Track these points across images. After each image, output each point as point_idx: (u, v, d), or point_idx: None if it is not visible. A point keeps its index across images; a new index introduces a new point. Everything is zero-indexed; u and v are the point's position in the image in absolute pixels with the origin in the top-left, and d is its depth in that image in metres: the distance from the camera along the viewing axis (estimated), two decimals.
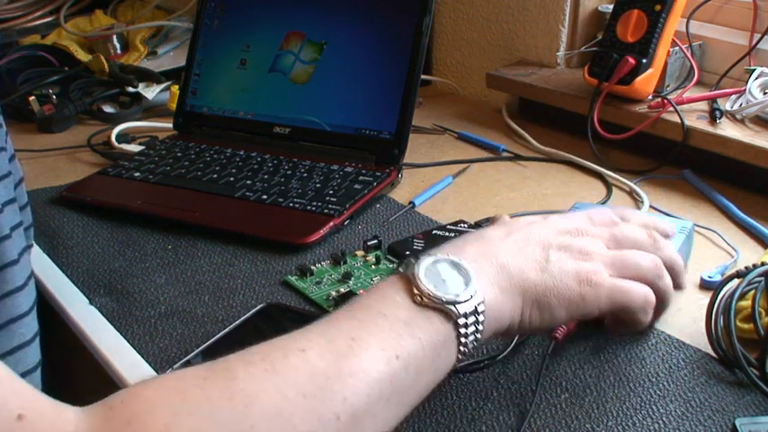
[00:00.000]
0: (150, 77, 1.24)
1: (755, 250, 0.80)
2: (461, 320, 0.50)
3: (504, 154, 1.05)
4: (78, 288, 0.75)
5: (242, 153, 0.99)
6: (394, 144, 0.95)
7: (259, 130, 1.03)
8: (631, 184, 0.94)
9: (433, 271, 0.52)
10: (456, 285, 0.51)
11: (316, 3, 1.02)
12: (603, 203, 0.90)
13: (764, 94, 0.95)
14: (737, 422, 0.52)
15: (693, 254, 0.77)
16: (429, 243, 0.78)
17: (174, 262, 0.78)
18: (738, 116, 0.95)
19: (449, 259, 0.53)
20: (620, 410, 0.58)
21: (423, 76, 1.06)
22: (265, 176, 0.92)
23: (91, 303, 0.72)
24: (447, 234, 0.80)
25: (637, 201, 0.92)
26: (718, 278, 0.73)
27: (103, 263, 0.79)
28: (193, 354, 0.63)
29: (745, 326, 0.63)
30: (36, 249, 0.81)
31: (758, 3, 1.01)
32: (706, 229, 0.83)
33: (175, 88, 1.17)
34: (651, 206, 0.89)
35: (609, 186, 0.95)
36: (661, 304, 0.61)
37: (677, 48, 1.02)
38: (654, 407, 0.58)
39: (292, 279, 0.74)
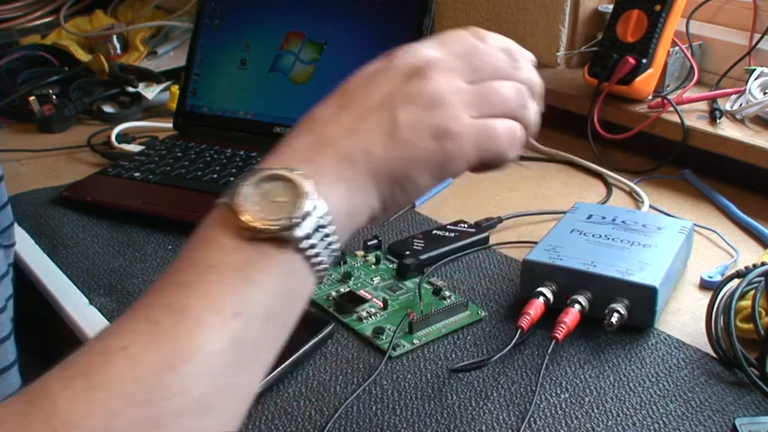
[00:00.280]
0: (150, 77, 1.24)
1: (755, 250, 0.80)
2: (304, 243, 0.41)
3: None
4: (78, 288, 0.75)
5: (242, 153, 0.99)
6: None
7: (259, 130, 1.03)
8: (631, 184, 0.94)
9: (259, 192, 0.42)
10: (288, 203, 0.42)
11: (316, 3, 1.02)
12: (603, 203, 0.90)
13: (764, 94, 0.95)
14: (737, 422, 0.52)
15: (693, 254, 0.77)
16: (429, 243, 0.78)
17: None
18: (738, 116, 0.95)
19: (274, 172, 0.43)
20: (620, 410, 0.58)
21: None
22: None
23: (91, 303, 0.72)
24: (447, 234, 0.80)
25: (637, 201, 0.92)
26: (718, 278, 0.73)
27: (103, 263, 0.79)
28: None
29: (745, 326, 0.63)
30: (36, 249, 0.82)
31: (758, 3, 1.02)
32: (706, 229, 0.83)
33: (175, 88, 1.17)
34: (651, 206, 0.89)
35: (609, 186, 0.95)
36: (528, 134, 0.51)
37: (677, 48, 1.02)
38: (654, 407, 0.58)
39: None
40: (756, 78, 0.96)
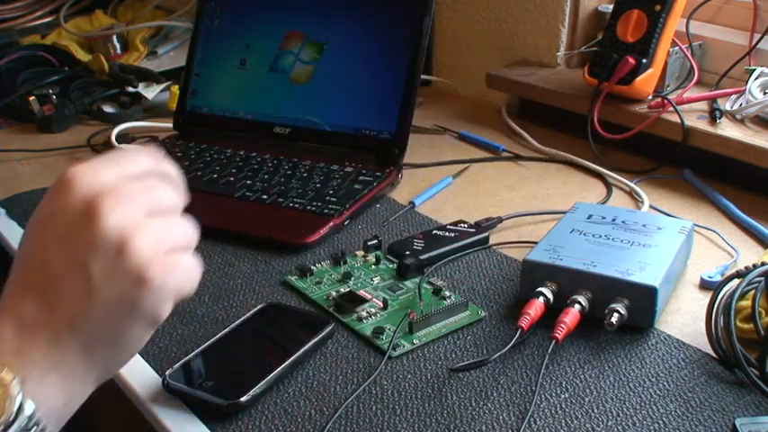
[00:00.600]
0: (150, 77, 1.24)
1: (755, 250, 0.80)
2: None
3: (504, 154, 1.05)
4: None
5: (242, 153, 0.99)
6: (394, 144, 0.95)
7: (259, 130, 1.03)
8: (631, 184, 0.94)
9: None
10: None
11: (316, 3, 1.02)
12: (603, 203, 0.90)
13: (764, 94, 0.95)
14: (737, 422, 0.52)
15: (693, 254, 0.77)
16: (429, 243, 0.78)
17: None
18: (738, 116, 0.95)
19: None
20: (620, 410, 0.58)
21: (423, 76, 1.06)
22: (265, 176, 0.92)
23: None
24: (447, 234, 0.80)
25: (637, 201, 0.92)
26: (718, 278, 0.73)
27: None
28: (193, 354, 0.63)
29: (745, 326, 0.63)
30: None
31: (758, 3, 1.02)
32: (706, 229, 0.83)
33: (175, 88, 1.17)
34: (651, 206, 0.89)
35: (609, 186, 0.95)
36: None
37: (677, 48, 1.02)
38: (654, 407, 0.58)
39: (292, 279, 0.74)
40: (756, 78, 0.96)
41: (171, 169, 0.48)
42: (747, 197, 0.90)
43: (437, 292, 0.71)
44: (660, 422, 0.56)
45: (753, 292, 0.63)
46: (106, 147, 1.05)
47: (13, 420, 0.39)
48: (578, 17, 1.14)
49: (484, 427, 0.56)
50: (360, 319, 0.68)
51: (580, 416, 0.57)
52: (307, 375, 0.62)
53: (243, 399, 0.57)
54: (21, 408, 0.39)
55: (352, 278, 0.74)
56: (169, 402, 0.59)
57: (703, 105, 0.98)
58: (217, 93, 1.06)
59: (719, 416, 0.57)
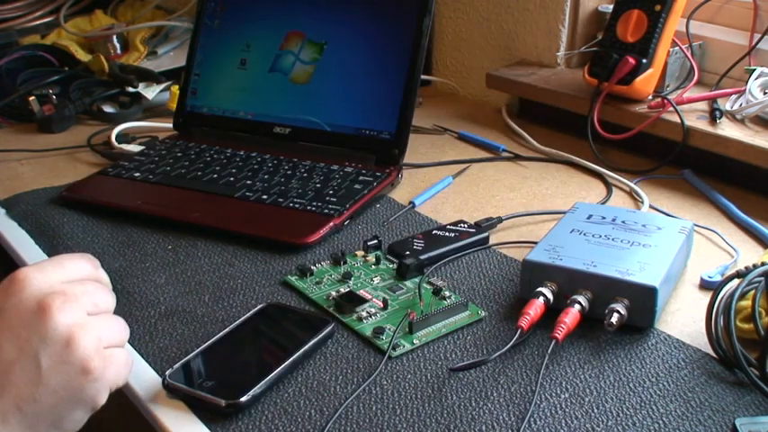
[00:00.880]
0: (150, 77, 1.24)
1: (755, 250, 0.80)
2: None
3: (504, 154, 1.05)
4: None
5: (242, 153, 0.99)
6: (394, 144, 0.95)
7: (259, 130, 1.03)
8: (631, 184, 0.94)
9: None
10: None
11: (316, 3, 1.02)
12: (603, 203, 0.90)
13: (764, 94, 0.95)
14: (737, 422, 0.52)
15: (693, 254, 0.77)
16: (429, 243, 0.78)
17: (174, 262, 0.78)
18: (738, 116, 0.95)
19: None
20: (620, 410, 0.58)
21: (423, 76, 1.06)
22: (265, 176, 0.92)
23: None
24: (447, 234, 0.80)
25: (637, 201, 0.92)
26: (718, 278, 0.73)
27: (103, 263, 0.77)
28: (193, 354, 0.63)
29: (745, 326, 0.63)
30: (36, 249, 0.81)
31: (758, 3, 1.02)
32: (706, 229, 0.83)
33: (175, 88, 1.17)
34: (651, 206, 0.89)
35: (609, 186, 0.95)
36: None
37: (677, 48, 1.02)
38: (654, 407, 0.58)
39: (292, 279, 0.74)
40: (756, 78, 0.96)
41: (103, 275, 0.56)
42: (747, 197, 0.90)
43: (437, 292, 0.71)
44: (660, 422, 0.56)
45: (753, 292, 0.63)
46: (106, 147, 1.05)
47: None
48: (578, 17, 1.14)
49: (484, 427, 0.56)
50: (360, 319, 0.68)
51: (580, 416, 0.57)
52: (307, 375, 0.62)
53: (243, 399, 0.57)
54: None
55: (352, 278, 0.74)
56: (169, 402, 0.59)
57: (703, 105, 0.98)
58: (217, 93, 1.06)
59: (719, 416, 0.57)
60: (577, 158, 1.01)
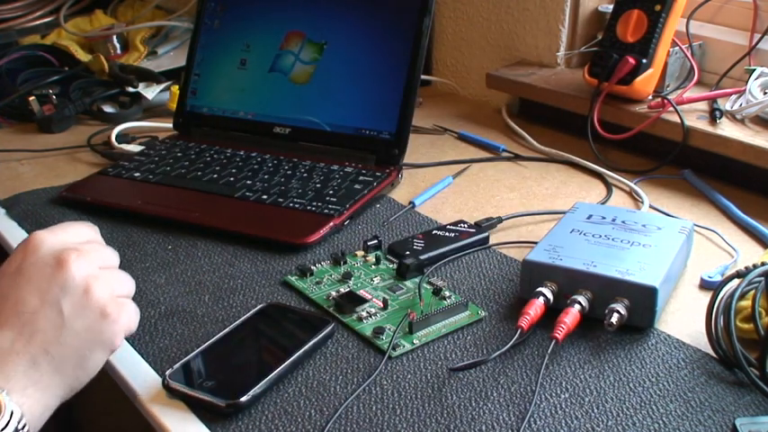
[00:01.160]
0: (150, 77, 1.24)
1: (755, 250, 0.80)
2: None
3: (504, 154, 1.05)
4: None
5: (242, 153, 0.99)
6: (394, 144, 0.95)
7: (259, 130, 1.03)
8: (631, 184, 0.94)
9: None
10: None
11: (316, 3, 1.02)
12: (603, 203, 0.90)
13: (764, 94, 0.95)
14: (737, 422, 0.52)
15: (693, 254, 0.77)
16: (429, 243, 0.78)
17: (174, 262, 0.78)
18: (738, 116, 0.95)
19: None
20: (620, 410, 0.58)
21: (423, 76, 1.06)
22: (265, 176, 0.92)
23: None
24: (447, 234, 0.80)
25: (637, 201, 0.92)
26: (718, 278, 0.73)
27: None
28: (193, 354, 0.63)
29: (745, 326, 0.63)
30: None
31: (758, 3, 1.02)
32: (706, 229, 0.83)
33: (175, 88, 1.17)
34: (651, 206, 0.89)
35: (609, 186, 0.95)
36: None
37: (677, 48, 1.02)
38: (654, 407, 0.58)
39: (292, 279, 0.74)
40: (756, 78, 0.96)
41: (102, 240, 0.62)
42: (747, 197, 0.90)
43: (437, 292, 0.71)
44: (660, 422, 0.56)
45: (753, 292, 0.63)
46: (106, 147, 1.05)
47: (7, 423, 0.48)
48: (578, 17, 1.14)
49: (484, 427, 0.56)
50: (360, 319, 0.68)
51: (580, 416, 0.57)
52: (307, 375, 0.62)
53: (243, 399, 0.57)
54: (12, 413, 0.49)
55: (352, 278, 0.74)
56: (169, 402, 0.59)
57: (703, 105, 0.98)
58: (217, 93, 1.06)
59: (719, 416, 0.57)
60: (577, 158, 1.01)
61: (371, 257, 0.77)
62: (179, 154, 0.99)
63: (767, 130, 0.92)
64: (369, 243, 0.79)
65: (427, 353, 0.64)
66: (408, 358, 0.63)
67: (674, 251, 0.70)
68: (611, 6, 1.03)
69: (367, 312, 0.68)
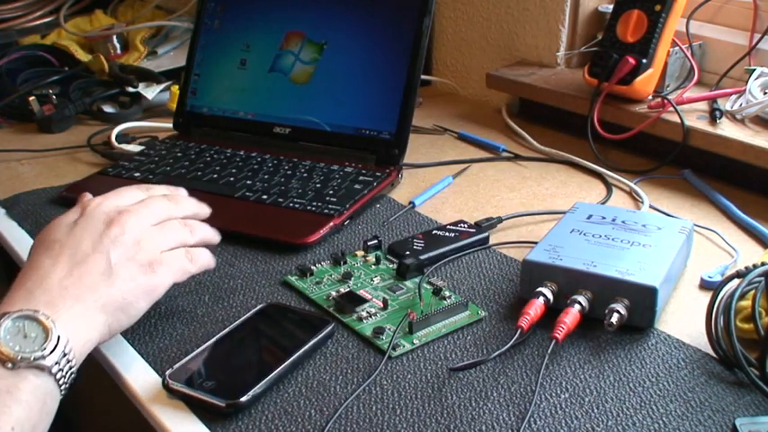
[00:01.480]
0: (150, 77, 1.24)
1: (755, 250, 0.80)
2: (54, 368, 0.54)
3: (504, 154, 1.05)
4: None
5: (242, 153, 0.99)
6: (394, 144, 0.95)
7: (259, 130, 1.03)
8: (631, 184, 0.94)
9: (14, 330, 0.54)
10: (39, 338, 0.54)
11: (316, 3, 1.02)
12: (603, 203, 0.90)
13: (764, 94, 0.95)
14: (737, 422, 0.52)
15: (693, 254, 0.77)
16: (429, 243, 0.78)
17: None
18: (738, 116, 0.95)
19: (23, 314, 0.55)
20: (620, 410, 0.58)
21: (423, 76, 1.06)
22: (265, 176, 0.92)
23: None
24: (447, 234, 0.80)
25: (637, 201, 0.92)
26: (718, 278, 0.73)
27: None
28: (193, 354, 0.63)
29: (745, 326, 0.63)
30: None
31: (758, 3, 1.02)
32: (706, 229, 0.83)
33: (175, 88, 1.17)
34: (651, 206, 0.89)
35: (609, 186, 0.95)
36: (206, 243, 0.69)
37: (677, 48, 1.02)
38: (654, 407, 0.58)
39: (292, 279, 0.74)
40: (756, 78, 0.96)
41: (158, 193, 0.69)
42: (747, 197, 0.90)
43: (437, 292, 0.71)
44: (660, 422, 0.56)
45: (753, 292, 0.63)
46: (106, 147, 1.05)
47: (55, 347, 0.54)
48: (578, 17, 1.14)
49: (484, 427, 0.56)
50: (360, 319, 0.68)
51: (580, 416, 0.57)
52: (307, 375, 0.62)
53: (243, 399, 0.57)
54: (59, 338, 0.54)
55: (352, 278, 0.74)
56: (169, 402, 0.59)
57: (703, 105, 0.98)
58: (217, 93, 1.06)
59: (719, 416, 0.57)
60: (577, 158, 1.01)
61: (371, 257, 0.77)
62: (179, 154, 0.99)
63: (767, 130, 0.92)
64: (369, 243, 0.79)
65: (427, 353, 0.64)
66: (408, 358, 0.63)
67: (674, 251, 0.70)
68: (611, 6, 1.03)
69: (367, 312, 0.68)
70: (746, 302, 0.64)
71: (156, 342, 0.66)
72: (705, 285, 0.73)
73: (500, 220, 0.85)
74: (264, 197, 0.87)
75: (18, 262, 0.81)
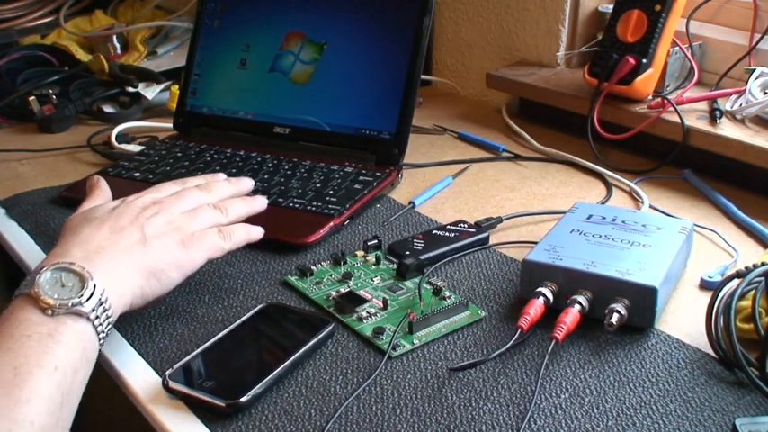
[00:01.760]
0: (150, 77, 1.24)
1: (755, 250, 0.80)
2: (92, 315, 0.58)
3: (504, 154, 1.05)
4: None
5: (242, 153, 0.99)
6: (394, 144, 0.95)
7: (259, 130, 1.03)
8: (631, 184, 0.94)
9: (52, 281, 0.58)
10: (75, 286, 0.58)
11: (316, 3, 1.02)
12: (603, 203, 0.90)
13: (764, 94, 0.95)
14: (737, 422, 0.52)
15: (693, 254, 0.77)
16: (429, 243, 0.78)
17: None
18: (738, 116, 0.95)
19: (60, 266, 0.59)
20: (620, 410, 0.58)
21: (423, 76, 1.06)
22: (265, 176, 0.92)
23: None
24: (447, 234, 0.80)
25: (637, 201, 0.92)
26: (718, 278, 0.73)
27: None
28: (193, 354, 0.63)
29: (745, 326, 0.63)
30: (36, 249, 0.81)
31: (758, 3, 1.02)
32: (706, 229, 0.83)
33: (175, 88, 1.17)
34: (651, 206, 0.89)
35: (609, 186, 0.95)
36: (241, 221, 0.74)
37: (677, 48, 1.02)
38: (654, 407, 0.58)
39: (292, 279, 0.74)
40: (756, 78, 0.96)
41: (193, 183, 0.75)
42: (747, 197, 0.90)
43: (437, 292, 0.71)
44: (660, 422, 0.56)
45: (753, 292, 0.63)
46: (106, 147, 1.05)
47: (92, 294, 0.58)
48: (578, 17, 1.14)
49: (484, 427, 0.56)
50: (360, 319, 0.68)
51: (580, 416, 0.57)
52: (307, 375, 0.62)
53: (243, 399, 0.57)
54: (95, 287, 0.59)
55: (352, 278, 0.74)
56: (169, 402, 0.59)
57: (703, 105, 0.98)
58: (217, 93, 1.06)
59: (719, 416, 0.57)
60: (577, 158, 1.01)
61: (371, 257, 0.77)
62: (179, 154, 0.99)
63: (767, 130, 0.92)
64: (369, 243, 0.79)
65: (427, 353, 0.64)
66: (408, 358, 0.63)
67: (674, 251, 0.70)
68: (611, 6, 1.03)
69: (367, 312, 0.68)
70: (746, 302, 0.64)
71: (156, 342, 0.66)
72: (705, 285, 0.73)
73: (500, 220, 0.85)
74: (264, 197, 0.87)
75: (18, 262, 0.81)
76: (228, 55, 1.06)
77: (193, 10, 1.17)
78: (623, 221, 0.74)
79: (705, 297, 0.67)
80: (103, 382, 0.65)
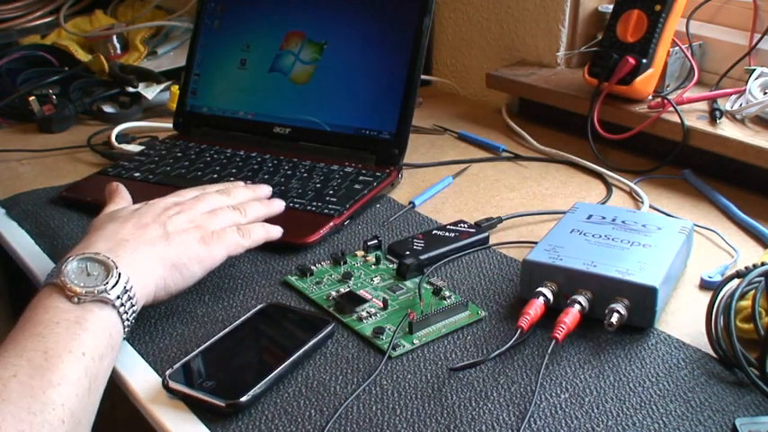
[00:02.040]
0: (150, 77, 1.24)
1: (755, 250, 0.80)
2: (117, 302, 0.60)
3: (504, 154, 1.05)
4: None
5: (242, 153, 0.99)
6: (394, 144, 0.95)
7: (259, 130, 1.03)
8: (631, 184, 0.94)
9: (78, 270, 0.60)
10: (101, 275, 0.60)
11: (316, 3, 1.02)
12: (603, 203, 0.90)
13: (764, 94, 0.95)
14: (737, 422, 0.52)
15: (693, 254, 0.77)
16: (429, 243, 0.78)
17: None
18: (738, 116, 0.95)
19: (86, 256, 0.62)
20: (620, 410, 0.58)
21: (423, 76, 1.06)
22: (265, 176, 0.92)
23: None
24: (447, 234, 0.80)
25: (637, 201, 0.92)
26: (718, 278, 0.73)
27: None
28: (193, 354, 0.63)
29: (745, 326, 0.63)
30: (36, 249, 0.81)
31: (758, 3, 1.02)
32: (706, 229, 0.83)
33: (175, 88, 1.17)
34: (651, 206, 0.89)
35: (609, 186, 0.95)
36: (261, 221, 0.76)
37: (677, 48, 1.02)
38: (654, 407, 0.58)
39: (292, 279, 0.74)
40: (756, 78, 0.96)
41: (214, 189, 0.78)
42: (747, 197, 0.90)
43: (437, 292, 0.71)
44: (660, 422, 0.56)
45: (753, 292, 0.63)
46: (106, 147, 1.05)
47: (117, 282, 0.60)
48: (578, 17, 1.14)
49: (484, 427, 0.56)
50: (360, 319, 0.68)
51: (580, 416, 0.57)
52: (307, 375, 0.62)
53: (243, 399, 0.57)
54: (119, 275, 0.61)
55: (352, 278, 0.74)
56: (169, 402, 0.59)
57: (703, 105, 0.98)
58: (217, 93, 1.06)
59: (719, 416, 0.57)
60: (577, 158, 1.01)
61: (371, 257, 0.77)
62: (179, 154, 0.99)
63: (767, 130, 0.92)
64: (369, 243, 0.79)
65: (427, 353, 0.64)
66: (408, 358, 0.63)
67: (674, 251, 0.70)
68: (611, 6, 1.03)
69: (367, 312, 0.68)
70: (746, 302, 0.64)
71: (156, 342, 0.66)
72: (705, 285, 0.73)
73: (500, 220, 0.85)
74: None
75: (18, 262, 0.81)
76: (228, 55, 1.06)
77: (193, 10, 1.17)
78: (623, 221, 0.74)
79: (705, 297, 0.67)
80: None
